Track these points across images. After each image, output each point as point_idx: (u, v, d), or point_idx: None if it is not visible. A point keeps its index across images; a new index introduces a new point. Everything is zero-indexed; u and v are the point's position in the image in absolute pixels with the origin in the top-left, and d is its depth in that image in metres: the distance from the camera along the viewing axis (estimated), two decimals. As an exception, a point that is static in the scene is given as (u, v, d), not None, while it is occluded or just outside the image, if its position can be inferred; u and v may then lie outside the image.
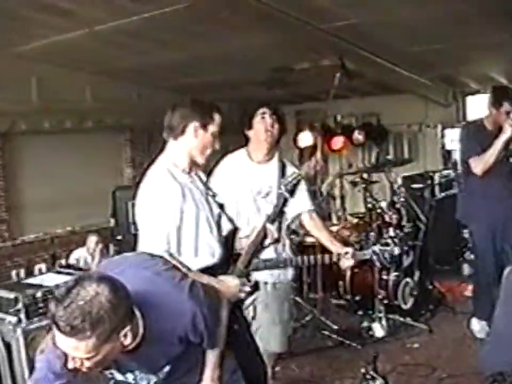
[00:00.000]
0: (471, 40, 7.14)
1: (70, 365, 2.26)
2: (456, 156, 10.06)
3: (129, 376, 2.67)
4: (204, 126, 3.36)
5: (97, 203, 9.29)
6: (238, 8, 5.83)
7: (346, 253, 4.03)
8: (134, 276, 2.48)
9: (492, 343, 3.92)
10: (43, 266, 9.08)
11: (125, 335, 2.27)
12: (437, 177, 8.62)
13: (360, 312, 6.46)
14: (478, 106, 10.32)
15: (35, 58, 8.03)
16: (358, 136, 9.71)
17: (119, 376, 2.68)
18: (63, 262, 8.89)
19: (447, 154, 10.83)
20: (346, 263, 4.06)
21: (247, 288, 3.28)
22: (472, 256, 8.11)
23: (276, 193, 4.05)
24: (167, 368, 2.68)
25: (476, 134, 5.61)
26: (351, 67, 6.70)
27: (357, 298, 6.51)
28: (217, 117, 3.41)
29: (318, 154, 7.07)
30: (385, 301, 6.26)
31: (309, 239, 6.37)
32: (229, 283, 3.17)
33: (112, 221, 8.21)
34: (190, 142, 3.38)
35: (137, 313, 2.36)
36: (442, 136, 10.76)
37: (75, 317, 2.09)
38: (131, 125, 10.58)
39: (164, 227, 3.25)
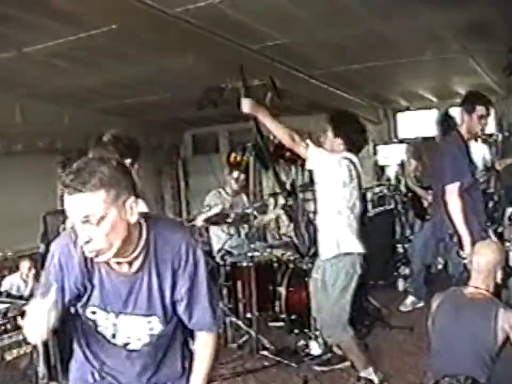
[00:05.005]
0: (398, 59, 7.29)
1: (80, 240, 2.36)
2: (390, 172, 10.27)
3: (111, 317, 2.66)
4: None
5: (29, 228, 9.08)
6: (167, 29, 5.81)
7: None
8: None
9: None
10: (-25, 293, 8.83)
11: (131, 208, 2.41)
12: (369, 194, 8.73)
13: (296, 331, 6.47)
14: (408, 123, 10.53)
15: (-38, 80, 7.85)
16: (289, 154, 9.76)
17: (101, 315, 2.67)
18: (-5, 288, 8.66)
19: (380, 170, 10.97)
20: None
21: None
22: (406, 271, 8.27)
23: None
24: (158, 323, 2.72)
25: (461, 154, 5.23)
26: (282, 86, 6.74)
27: (293, 317, 6.53)
28: None
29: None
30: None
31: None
32: None
33: (42, 247, 8.03)
34: None
35: (144, 224, 2.55)
36: (375, 153, 10.88)
37: (85, 174, 2.29)
38: (62, 148, 10.40)
39: None
